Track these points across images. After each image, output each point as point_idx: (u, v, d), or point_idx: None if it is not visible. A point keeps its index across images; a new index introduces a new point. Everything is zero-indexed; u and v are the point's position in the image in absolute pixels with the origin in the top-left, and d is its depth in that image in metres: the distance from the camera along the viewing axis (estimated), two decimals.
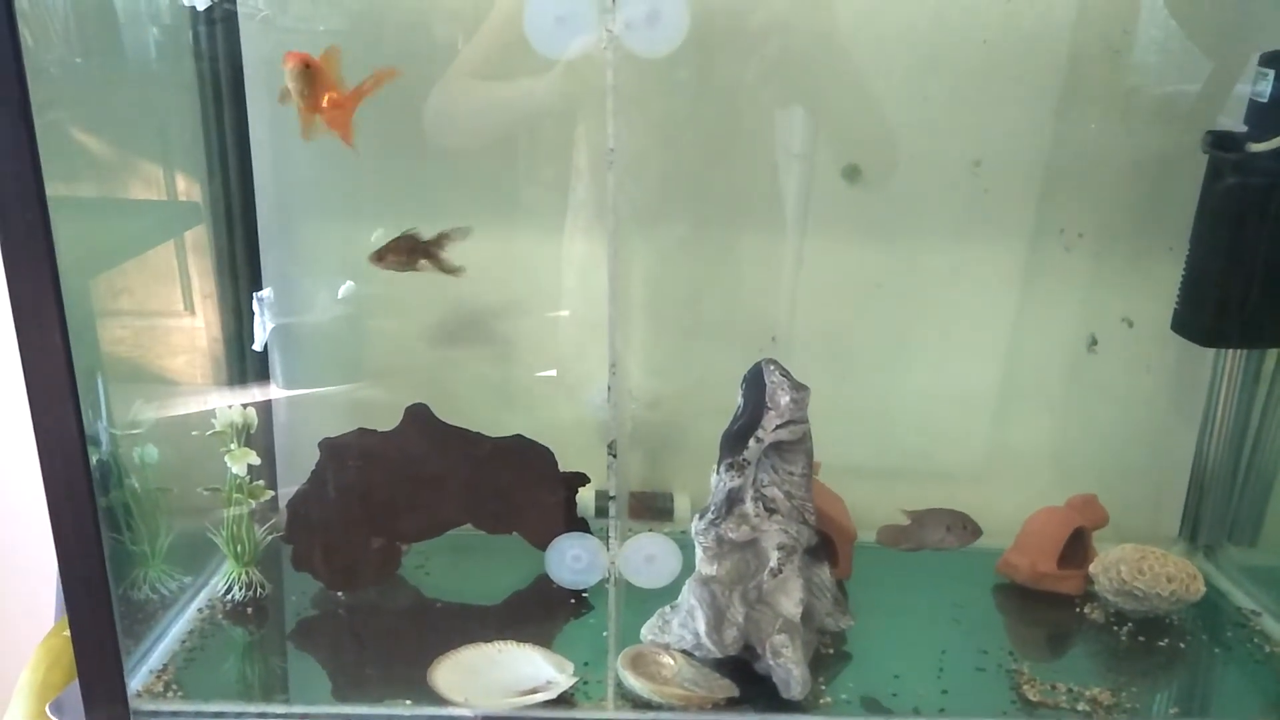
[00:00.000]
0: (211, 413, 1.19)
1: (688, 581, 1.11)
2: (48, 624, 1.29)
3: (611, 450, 1.11)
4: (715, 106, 1.29)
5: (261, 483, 1.22)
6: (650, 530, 1.19)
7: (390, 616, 1.22)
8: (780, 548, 1.09)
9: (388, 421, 1.23)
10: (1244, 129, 1.18)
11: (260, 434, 1.27)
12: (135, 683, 1.07)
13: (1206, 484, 1.40)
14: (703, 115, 1.30)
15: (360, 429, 1.22)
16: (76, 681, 1.02)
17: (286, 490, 1.27)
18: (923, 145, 1.30)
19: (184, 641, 1.15)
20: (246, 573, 1.23)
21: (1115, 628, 1.22)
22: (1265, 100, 1.15)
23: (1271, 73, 1.14)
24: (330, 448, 1.22)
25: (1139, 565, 1.20)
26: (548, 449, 1.25)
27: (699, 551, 1.11)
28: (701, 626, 1.07)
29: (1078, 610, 1.26)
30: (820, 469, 1.20)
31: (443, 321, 1.38)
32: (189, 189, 1.30)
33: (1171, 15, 1.25)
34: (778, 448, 1.09)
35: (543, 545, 1.22)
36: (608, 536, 1.16)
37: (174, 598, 1.19)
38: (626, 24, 0.96)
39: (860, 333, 1.39)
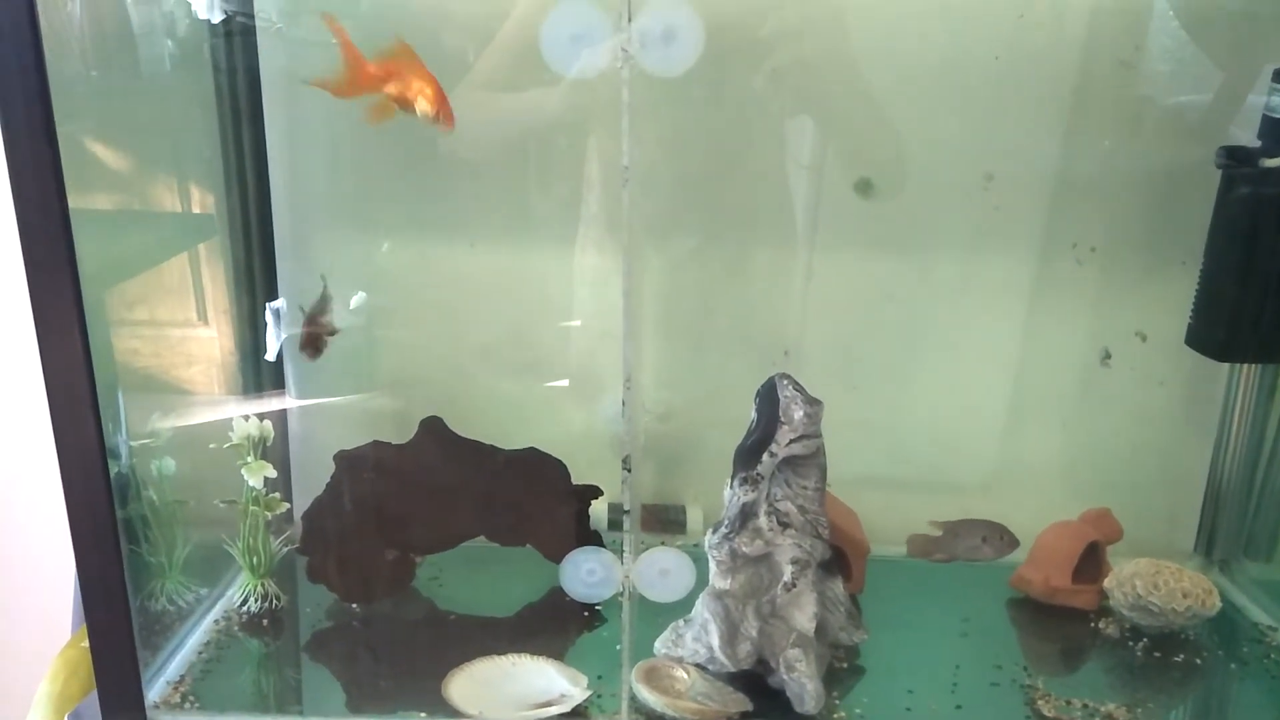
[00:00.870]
0: (228, 424, 1.20)
1: (701, 595, 1.11)
2: (65, 635, 1.30)
3: (626, 465, 1.12)
4: (727, 120, 1.30)
5: (277, 495, 1.22)
6: (662, 543, 1.20)
7: (404, 628, 1.23)
8: (794, 562, 1.09)
9: (402, 432, 1.23)
10: (1257, 143, 1.19)
11: (275, 445, 1.28)
12: (152, 694, 1.07)
13: (1221, 498, 1.39)
14: (715, 129, 1.30)
15: (375, 441, 1.23)
16: (95, 692, 1.03)
17: (301, 502, 1.28)
18: (934, 159, 1.31)
19: (200, 653, 1.15)
20: (262, 584, 1.23)
21: (1130, 643, 1.22)
22: (1278, 115, 1.15)
23: None
24: (345, 460, 1.22)
25: (1154, 580, 1.20)
26: (561, 462, 1.25)
27: (713, 566, 1.11)
28: (715, 640, 1.07)
29: (1092, 625, 1.25)
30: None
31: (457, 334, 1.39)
32: (206, 201, 1.31)
33: (1183, 29, 1.25)
34: (791, 462, 1.09)
35: (556, 557, 1.22)
36: (622, 550, 1.17)
37: (191, 609, 1.19)
38: (642, 42, 0.96)
39: (872, 345, 1.39)
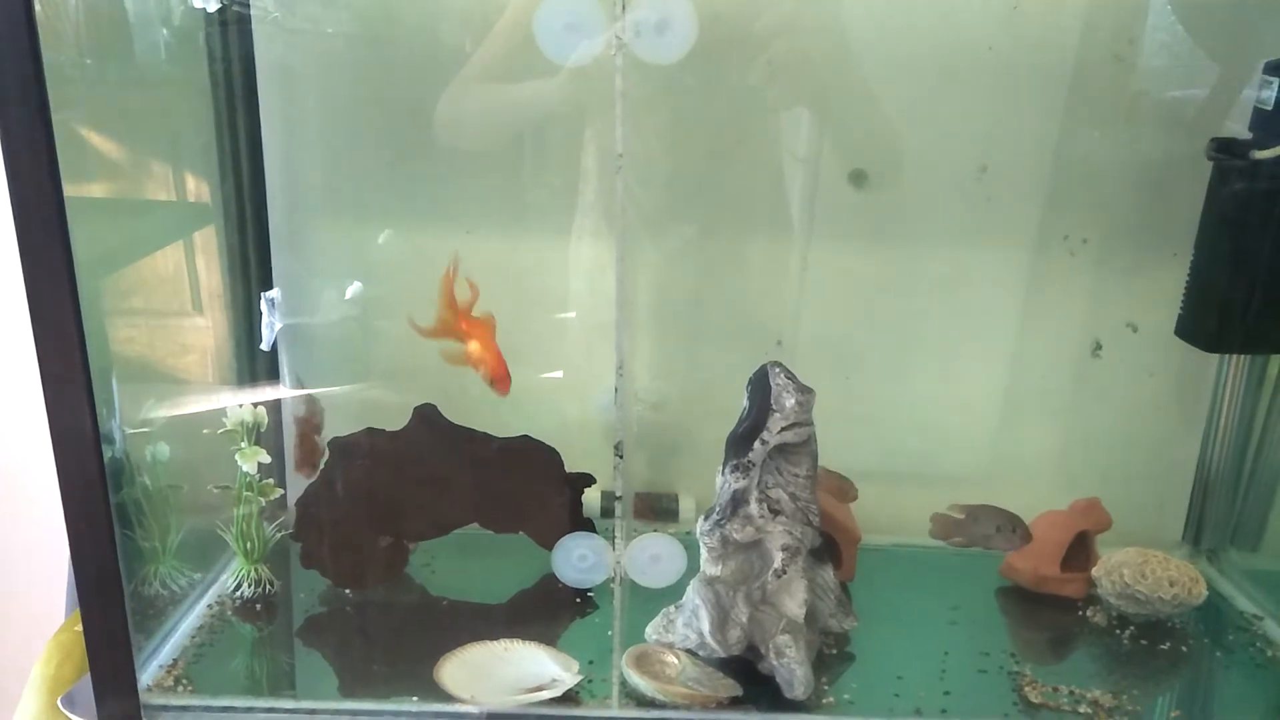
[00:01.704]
0: (222, 411, 1.20)
1: (692, 582, 1.12)
2: (59, 619, 1.31)
3: (618, 451, 1.12)
4: (722, 111, 1.30)
5: (271, 481, 1.23)
6: (655, 531, 1.20)
7: (397, 614, 1.23)
8: (784, 549, 1.10)
9: (396, 421, 1.24)
10: (1249, 136, 1.19)
11: (269, 433, 1.28)
12: (146, 677, 1.08)
13: (1210, 488, 1.40)
14: (709, 119, 1.31)
15: (369, 429, 1.23)
16: (88, 675, 1.04)
17: (295, 488, 1.28)
18: (928, 151, 1.31)
19: (194, 637, 1.16)
20: (255, 570, 1.24)
21: (1117, 631, 1.23)
22: (1270, 108, 1.16)
23: (1276, 80, 1.15)
24: (339, 447, 1.23)
25: (1141, 569, 1.21)
26: (554, 450, 1.26)
27: (704, 552, 1.12)
28: (706, 626, 1.08)
29: (1080, 613, 1.26)
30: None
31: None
32: (200, 190, 1.31)
33: (1178, 22, 1.26)
34: (782, 450, 1.10)
35: (549, 545, 1.23)
36: (613, 536, 1.17)
37: (184, 594, 1.20)
38: (636, 31, 0.97)
39: (865, 337, 1.40)
